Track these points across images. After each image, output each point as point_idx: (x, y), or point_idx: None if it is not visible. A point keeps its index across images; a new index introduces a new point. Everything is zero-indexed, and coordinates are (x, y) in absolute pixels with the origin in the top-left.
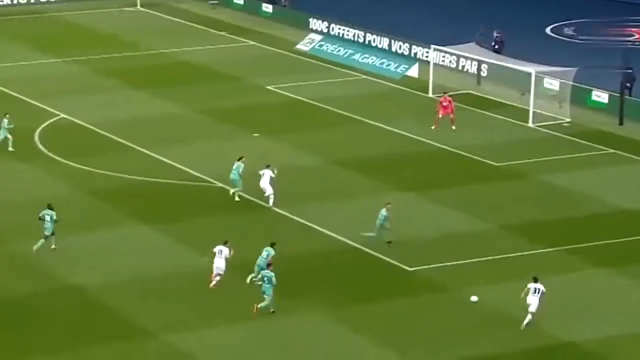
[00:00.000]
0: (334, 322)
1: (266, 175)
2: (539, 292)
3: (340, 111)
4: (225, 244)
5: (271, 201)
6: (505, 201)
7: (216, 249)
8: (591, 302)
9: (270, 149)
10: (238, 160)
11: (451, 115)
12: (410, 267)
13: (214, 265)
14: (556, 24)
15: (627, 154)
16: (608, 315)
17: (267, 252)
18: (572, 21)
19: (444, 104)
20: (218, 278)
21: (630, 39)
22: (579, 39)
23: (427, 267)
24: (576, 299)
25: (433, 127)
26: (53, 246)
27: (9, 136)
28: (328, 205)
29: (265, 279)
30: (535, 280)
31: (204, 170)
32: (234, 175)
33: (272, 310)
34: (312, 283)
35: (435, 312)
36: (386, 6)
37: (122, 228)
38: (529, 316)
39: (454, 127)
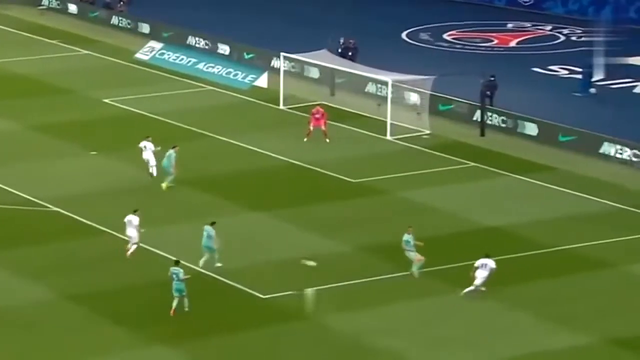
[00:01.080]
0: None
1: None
2: (486, 268)
3: (184, 125)
4: (135, 212)
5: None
6: (361, 220)
7: (126, 219)
8: (458, 328)
9: (109, 167)
10: (172, 148)
11: (323, 127)
12: (264, 294)
13: (127, 234)
14: (412, 29)
15: (488, 167)
16: (475, 341)
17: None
18: (427, 25)
19: (316, 115)
20: (135, 247)
21: (489, 44)
22: (435, 45)
23: (280, 294)
24: (441, 324)
25: (305, 139)
26: None
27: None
28: (174, 228)
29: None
30: (487, 256)
31: (36, 192)
32: (165, 162)
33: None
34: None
35: (292, 342)
36: (232, 13)
37: None
38: (472, 287)
39: (327, 140)
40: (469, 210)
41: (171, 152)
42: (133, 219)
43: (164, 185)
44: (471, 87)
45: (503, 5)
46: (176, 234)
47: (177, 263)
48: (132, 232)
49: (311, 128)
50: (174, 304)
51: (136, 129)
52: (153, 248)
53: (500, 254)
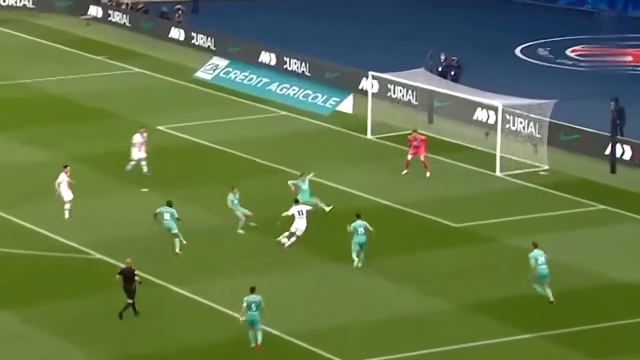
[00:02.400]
0: None
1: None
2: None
3: (254, 158)
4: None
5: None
6: (465, 272)
7: (296, 211)
8: None
9: (161, 206)
10: (232, 190)
11: (422, 158)
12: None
13: (295, 226)
14: (528, 44)
15: (620, 210)
16: None
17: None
18: (547, 39)
19: (414, 143)
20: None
21: (622, 60)
22: (556, 63)
23: None
24: None
25: (404, 172)
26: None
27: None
28: (238, 282)
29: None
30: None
31: (76, 236)
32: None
33: None
34: None
35: None
36: (310, 24)
37: None
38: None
39: (428, 174)
40: (597, 262)
41: (231, 197)
42: (304, 209)
43: (239, 230)
44: (599, 113)
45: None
46: (243, 288)
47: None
48: (300, 224)
49: (409, 158)
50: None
51: (196, 162)
52: (211, 302)
53: None
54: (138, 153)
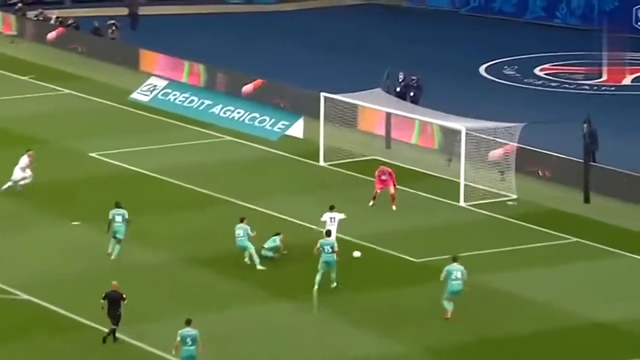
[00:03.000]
0: None
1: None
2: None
3: (195, 187)
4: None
5: None
6: (427, 313)
7: (328, 217)
8: None
9: (96, 241)
10: (240, 222)
11: (392, 190)
12: None
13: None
14: (492, 62)
15: (595, 244)
16: None
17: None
18: (513, 57)
19: (383, 177)
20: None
21: (596, 81)
22: (524, 82)
23: None
24: None
25: (371, 203)
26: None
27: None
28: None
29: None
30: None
31: (2, 275)
32: (241, 242)
33: None
34: None
35: None
36: (258, 41)
37: None
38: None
39: (394, 207)
40: (572, 300)
41: (240, 232)
42: (337, 216)
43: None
44: (571, 137)
45: (616, 30)
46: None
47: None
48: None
49: (378, 191)
50: None
51: (131, 192)
52: (148, 347)
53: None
54: (21, 173)
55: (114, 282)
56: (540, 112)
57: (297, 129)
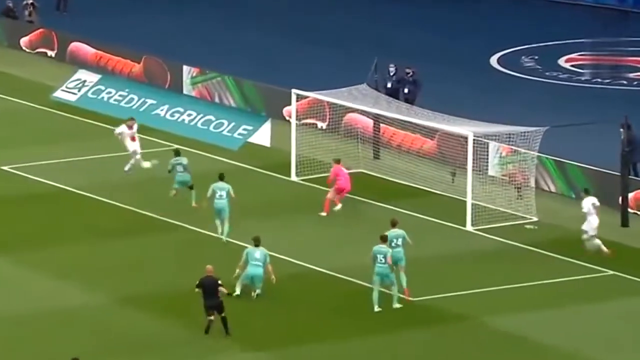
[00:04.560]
0: None
1: None
2: None
3: (136, 209)
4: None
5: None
6: (428, 357)
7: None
8: None
9: (17, 278)
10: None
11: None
12: None
13: None
14: (507, 50)
15: (635, 277)
16: None
17: None
18: (532, 45)
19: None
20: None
21: (634, 75)
22: (546, 76)
23: None
24: None
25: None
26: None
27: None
28: None
29: None
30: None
31: None
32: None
33: None
34: None
35: None
36: (212, 25)
37: None
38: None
39: (324, 214)
40: (606, 349)
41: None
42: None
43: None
44: (604, 143)
45: None
46: None
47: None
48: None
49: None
50: None
51: (54, 214)
52: None
53: None
54: (132, 144)
55: (209, 267)
56: (567, 114)
57: (262, 136)
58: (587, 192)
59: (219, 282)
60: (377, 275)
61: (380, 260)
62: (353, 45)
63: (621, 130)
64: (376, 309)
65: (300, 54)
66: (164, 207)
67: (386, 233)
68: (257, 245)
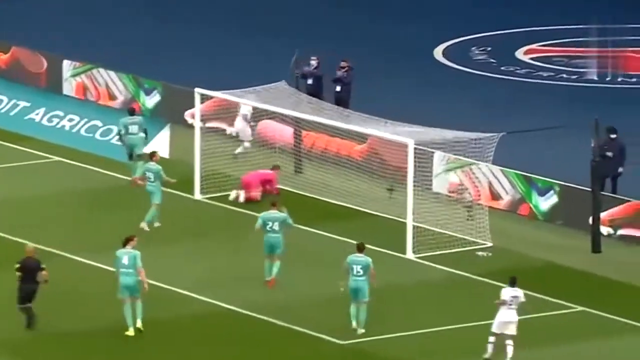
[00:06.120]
0: None
1: None
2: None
3: (4, 234)
4: None
5: None
6: None
7: None
8: None
9: None
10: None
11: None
12: None
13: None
14: (453, 41)
15: (607, 314)
16: None
17: None
18: (483, 34)
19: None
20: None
21: (603, 70)
22: (500, 71)
23: None
24: None
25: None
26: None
27: None
28: None
29: None
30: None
31: None
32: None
33: None
34: None
35: None
36: (99, 11)
37: None
38: None
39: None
40: None
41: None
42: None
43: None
44: (573, 154)
45: None
46: None
47: None
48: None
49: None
50: None
51: None
52: None
53: None
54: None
55: (30, 246)
56: (526, 116)
57: (160, 144)
58: (513, 283)
59: (42, 265)
60: (351, 290)
61: (358, 272)
62: (272, 34)
63: (593, 139)
64: (354, 324)
65: (208, 46)
66: (40, 233)
67: (347, 259)
68: (125, 245)
